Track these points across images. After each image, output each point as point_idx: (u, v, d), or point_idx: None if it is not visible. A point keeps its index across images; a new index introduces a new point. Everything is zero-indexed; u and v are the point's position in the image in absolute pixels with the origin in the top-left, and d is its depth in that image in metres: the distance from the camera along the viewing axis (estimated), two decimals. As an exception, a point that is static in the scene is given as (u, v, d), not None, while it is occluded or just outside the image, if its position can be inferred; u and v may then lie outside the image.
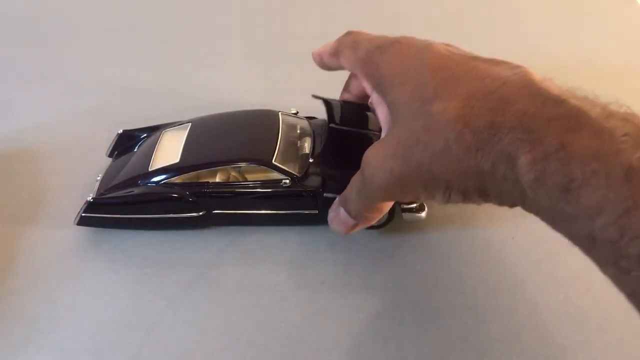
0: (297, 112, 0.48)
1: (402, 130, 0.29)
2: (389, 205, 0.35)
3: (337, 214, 0.36)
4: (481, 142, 0.26)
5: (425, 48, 0.31)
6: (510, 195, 0.27)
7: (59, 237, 0.44)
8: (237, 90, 0.60)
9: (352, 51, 0.35)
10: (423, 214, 0.42)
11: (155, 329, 0.37)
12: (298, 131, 0.45)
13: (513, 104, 0.25)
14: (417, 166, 0.28)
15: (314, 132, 0.45)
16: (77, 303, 0.39)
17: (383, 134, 0.33)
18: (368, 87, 0.35)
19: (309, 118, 0.48)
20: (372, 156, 0.31)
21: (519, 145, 0.24)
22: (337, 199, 0.36)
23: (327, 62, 0.39)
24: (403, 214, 0.41)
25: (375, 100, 0.34)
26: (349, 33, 0.37)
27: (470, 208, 0.44)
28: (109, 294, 0.39)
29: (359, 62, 0.35)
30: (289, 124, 0.45)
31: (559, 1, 0.74)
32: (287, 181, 0.41)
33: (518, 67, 0.28)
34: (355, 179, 0.33)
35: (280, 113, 0.45)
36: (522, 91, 0.26)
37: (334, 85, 0.60)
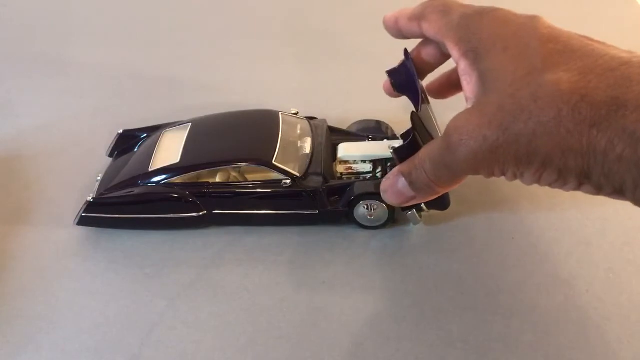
0: (297, 112, 0.48)
1: (503, 98, 0.27)
2: (461, 181, 0.32)
3: (395, 183, 0.33)
4: (599, 117, 0.24)
5: (533, 18, 0.30)
6: (620, 177, 0.25)
7: (59, 237, 0.44)
8: (237, 90, 0.60)
9: (441, 15, 0.32)
10: (423, 214, 0.42)
11: (155, 329, 0.37)
12: (298, 131, 0.45)
13: (639, 84, 0.24)
14: (516, 136, 0.26)
15: (313, 132, 0.45)
16: (77, 303, 0.39)
17: (469, 104, 0.31)
18: (456, 54, 0.32)
19: (309, 118, 0.48)
20: (463, 123, 0.28)
21: None
22: (395, 168, 0.33)
23: (404, 27, 0.35)
24: (404, 213, 0.41)
25: (463, 68, 0.31)
26: None
27: (469, 208, 0.44)
28: (109, 294, 0.39)
29: (450, 26, 0.32)
30: (289, 124, 0.45)
31: (559, 1, 0.74)
32: (288, 181, 0.41)
33: (634, 52, 0.27)
34: (432, 148, 0.31)
35: (280, 113, 0.46)
36: None
37: (335, 85, 0.60)
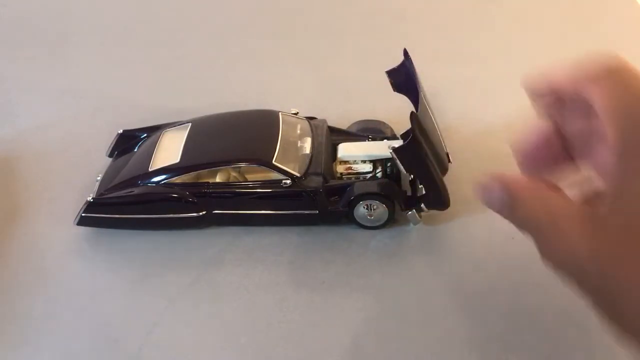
0: (297, 112, 0.48)
1: (620, 241, 0.23)
2: None
3: (499, 198, 0.27)
4: None
5: None
6: None
7: (59, 237, 0.44)
8: (237, 91, 0.60)
9: (613, 87, 0.24)
10: (423, 214, 0.42)
11: (155, 329, 0.37)
12: (298, 131, 0.45)
13: None
14: (607, 295, 0.23)
15: (313, 132, 0.45)
16: (77, 303, 0.39)
17: (606, 202, 0.25)
18: (612, 137, 0.24)
19: (309, 118, 0.48)
20: (572, 231, 0.25)
21: None
22: (518, 187, 0.27)
23: (558, 86, 0.26)
24: (404, 213, 0.41)
25: (608, 163, 0.25)
26: (615, 58, 0.25)
27: (469, 208, 0.44)
28: (109, 294, 0.39)
29: (619, 107, 0.24)
30: (289, 124, 0.45)
31: (559, 1, 0.74)
32: (288, 181, 0.41)
33: None
34: (539, 223, 0.26)
35: (280, 113, 0.45)
36: None
37: (335, 85, 0.60)
